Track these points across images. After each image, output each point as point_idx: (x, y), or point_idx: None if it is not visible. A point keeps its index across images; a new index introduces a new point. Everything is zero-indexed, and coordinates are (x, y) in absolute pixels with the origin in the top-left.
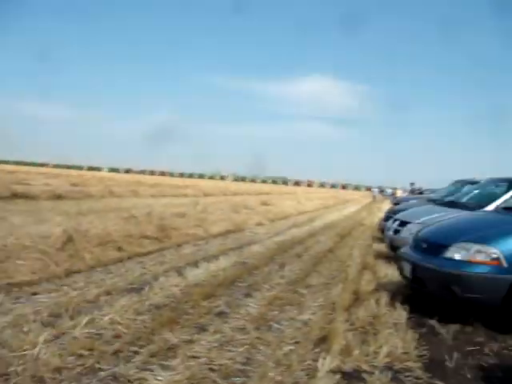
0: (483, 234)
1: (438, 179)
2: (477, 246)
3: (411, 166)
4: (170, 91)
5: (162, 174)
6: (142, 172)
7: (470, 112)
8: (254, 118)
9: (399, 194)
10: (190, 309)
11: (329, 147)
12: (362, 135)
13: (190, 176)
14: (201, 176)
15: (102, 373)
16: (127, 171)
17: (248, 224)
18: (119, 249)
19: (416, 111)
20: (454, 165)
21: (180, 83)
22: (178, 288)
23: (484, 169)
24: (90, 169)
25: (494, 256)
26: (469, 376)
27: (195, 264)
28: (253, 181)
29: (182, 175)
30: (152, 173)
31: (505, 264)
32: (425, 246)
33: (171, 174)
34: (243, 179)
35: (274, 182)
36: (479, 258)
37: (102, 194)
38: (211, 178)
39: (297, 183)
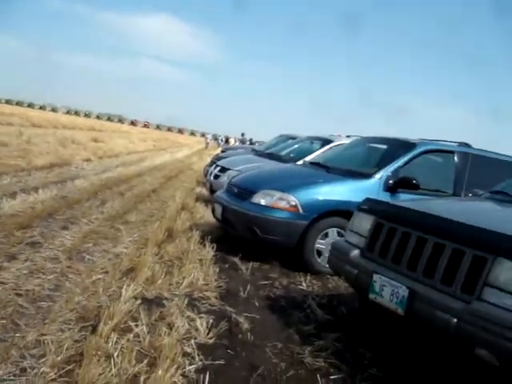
0: (287, 183)
1: (274, 133)
2: (279, 194)
3: (251, 117)
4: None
5: None
6: None
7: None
8: (99, 51)
9: (232, 143)
10: (2, 238)
11: (171, 90)
12: (205, 81)
13: (19, 104)
14: (30, 105)
15: None
16: None
17: (75, 159)
18: None
19: (261, 64)
20: (294, 121)
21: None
22: None
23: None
24: None
25: (293, 203)
26: (257, 304)
27: (13, 195)
28: (87, 115)
29: (8, 102)
30: None
31: (301, 211)
32: (236, 190)
33: None
34: (77, 113)
35: (110, 119)
36: (280, 204)
37: None
38: (41, 108)
39: (133, 123)
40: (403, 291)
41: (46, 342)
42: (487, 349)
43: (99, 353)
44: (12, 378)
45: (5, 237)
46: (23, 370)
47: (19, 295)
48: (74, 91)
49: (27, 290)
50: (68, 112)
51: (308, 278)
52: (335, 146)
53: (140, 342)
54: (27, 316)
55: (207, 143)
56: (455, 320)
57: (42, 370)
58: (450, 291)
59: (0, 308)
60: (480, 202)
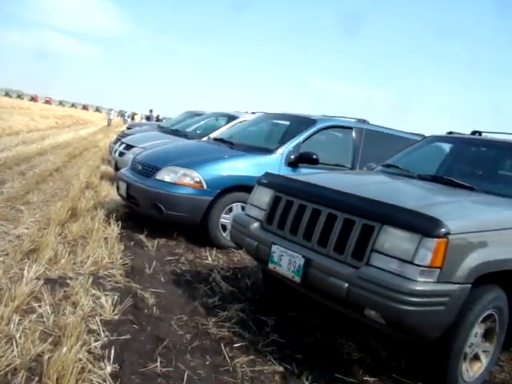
0: (191, 160)
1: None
2: (183, 170)
3: (161, 95)
4: None
5: None
6: None
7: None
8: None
9: (137, 119)
10: None
11: (74, 64)
12: (113, 56)
13: None
14: None
15: None
16: None
17: None
18: None
19: (169, 39)
20: (205, 98)
21: None
22: None
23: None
24: None
25: (197, 180)
26: (162, 280)
27: None
28: None
29: None
30: None
31: (205, 186)
32: (140, 167)
33: None
34: None
35: (8, 94)
36: (185, 180)
37: None
38: None
39: (33, 99)
40: (299, 260)
41: None
42: (375, 309)
43: (0, 335)
44: None
45: None
46: None
47: None
48: None
49: None
50: None
51: (214, 252)
52: (240, 122)
53: (44, 322)
54: None
55: (110, 120)
56: (346, 285)
57: None
58: (342, 258)
59: None
60: (372, 175)
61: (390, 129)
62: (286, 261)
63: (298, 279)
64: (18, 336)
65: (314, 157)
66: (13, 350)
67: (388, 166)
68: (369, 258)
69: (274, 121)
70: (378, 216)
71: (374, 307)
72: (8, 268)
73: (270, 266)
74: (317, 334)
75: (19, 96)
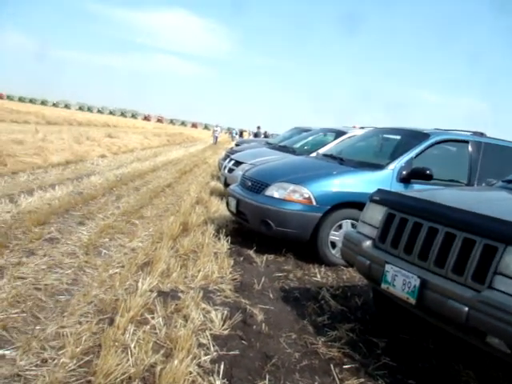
0: (300, 176)
1: (288, 126)
2: (293, 186)
3: (265, 111)
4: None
5: None
6: None
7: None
8: (111, 47)
9: (246, 136)
10: (20, 234)
11: (184, 84)
12: (218, 75)
13: (31, 101)
14: (43, 102)
15: None
16: None
17: (90, 155)
18: None
19: (273, 59)
20: (308, 114)
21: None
22: (9, 214)
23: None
24: None
25: (306, 196)
26: (271, 296)
27: (30, 192)
28: (100, 111)
29: (22, 100)
30: None
31: (314, 203)
32: (249, 183)
33: (9, 98)
34: (90, 109)
35: (123, 114)
36: (294, 196)
37: None
38: (55, 105)
39: (146, 118)
40: (415, 281)
41: (65, 334)
42: (498, 337)
43: (116, 344)
44: (34, 368)
45: (23, 233)
46: (44, 360)
47: (38, 289)
48: (87, 88)
49: (46, 285)
50: (81, 108)
51: (322, 269)
52: (348, 137)
53: (156, 333)
54: (47, 309)
55: (216, 137)
56: (466, 309)
57: (61, 361)
58: (461, 280)
59: (20, 302)
60: (493, 192)
61: (510, 142)
62: (401, 281)
63: (412, 301)
64: (132, 346)
65: (428, 172)
66: (128, 360)
67: (510, 181)
68: (491, 280)
69: (385, 135)
70: (502, 236)
71: (498, 334)
72: (124, 279)
73: (383, 285)
74: (431, 360)
75: (133, 116)
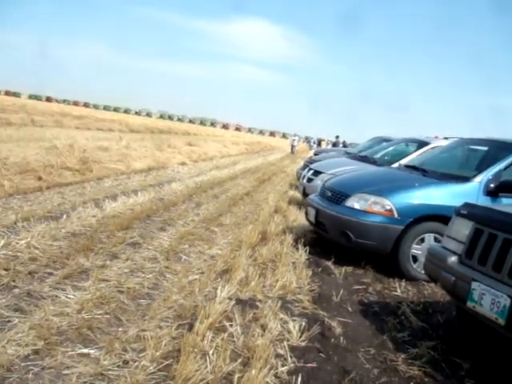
0: (381, 187)
1: (365, 135)
2: (374, 198)
3: (343, 120)
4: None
5: (86, 105)
6: (65, 101)
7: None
8: (189, 57)
9: (324, 145)
10: (105, 238)
11: (262, 93)
12: (295, 83)
13: (115, 110)
14: (126, 111)
15: (17, 290)
16: (48, 99)
17: (171, 163)
18: (39, 178)
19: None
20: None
21: (113, 14)
22: (95, 218)
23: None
24: (8, 94)
25: (388, 207)
26: (349, 309)
27: (114, 197)
28: (180, 120)
29: (106, 108)
30: (76, 103)
31: (396, 215)
32: (329, 194)
33: (95, 106)
34: (170, 117)
35: (202, 123)
36: (375, 208)
37: (24, 123)
38: (137, 113)
39: (225, 126)
40: (505, 300)
41: (145, 337)
42: None
43: (195, 350)
44: (116, 368)
45: (107, 237)
46: (126, 362)
47: (121, 292)
48: (167, 97)
49: (128, 288)
50: (161, 117)
51: (403, 284)
52: (432, 148)
53: (234, 341)
54: (128, 312)
55: (293, 146)
56: None
57: (142, 364)
58: None
59: (104, 303)
60: None
61: None
62: (489, 300)
63: (502, 321)
64: (211, 352)
65: None
66: (206, 366)
67: None
68: None
69: (471, 146)
70: None
71: None
72: (203, 286)
73: (469, 304)
74: None
75: (212, 124)
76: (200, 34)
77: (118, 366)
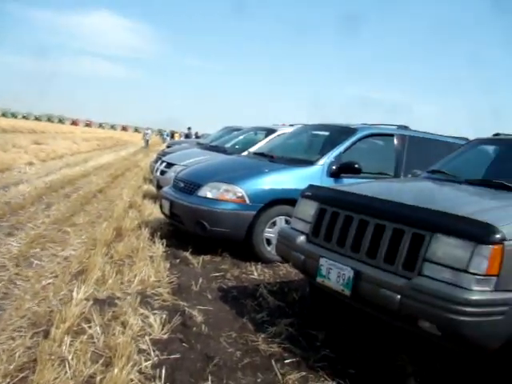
0: (232, 175)
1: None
2: (225, 186)
3: (197, 112)
4: None
5: None
6: None
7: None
8: (35, 50)
9: (177, 137)
10: None
11: (111, 87)
12: (145, 76)
13: None
14: None
15: None
16: None
17: (17, 163)
18: None
19: (199, 59)
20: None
21: None
22: None
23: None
24: None
25: (239, 194)
26: (209, 296)
27: None
28: (25, 117)
29: None
30: None
31: (248, 201)
32: (182, 185)
33: None
34: (14, 115)
35: (50, 119)
36: (227, 196)
37: None
38: None
39: (74, 122)
40: (349, 272)
41: None
42: (429, 320)
43: (53, 357)
44: None
45: None
46: None
47: None
48: (10, 94)
49: None
50: (4, 115)
51: (259, 267)
52: (279, 135)
53: (94, 342)
54: None
55: (147, 141)
56: (399, 296)
57: None
58: (393, 269)
59: None
60: (418, 182)
61: (433, 134)
62: (335, 274)
63: (347, 292)
64: (70, 358)
65: (357, 166)
66: (66, 372)
67: (434, 172)
68: (421, 268)
69: (314, 132)
70: (428, 224)
71: (429, 318)
72: (58, 290)
73: (319, 279)
74: (369, 348)
75: (60, 121)
76: (46, 27)
77: None
